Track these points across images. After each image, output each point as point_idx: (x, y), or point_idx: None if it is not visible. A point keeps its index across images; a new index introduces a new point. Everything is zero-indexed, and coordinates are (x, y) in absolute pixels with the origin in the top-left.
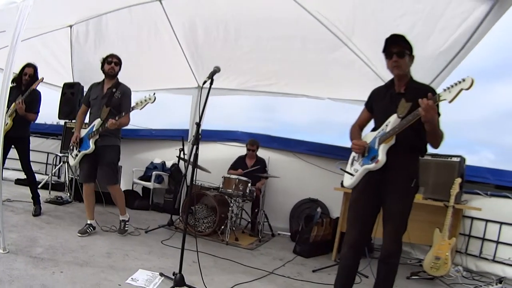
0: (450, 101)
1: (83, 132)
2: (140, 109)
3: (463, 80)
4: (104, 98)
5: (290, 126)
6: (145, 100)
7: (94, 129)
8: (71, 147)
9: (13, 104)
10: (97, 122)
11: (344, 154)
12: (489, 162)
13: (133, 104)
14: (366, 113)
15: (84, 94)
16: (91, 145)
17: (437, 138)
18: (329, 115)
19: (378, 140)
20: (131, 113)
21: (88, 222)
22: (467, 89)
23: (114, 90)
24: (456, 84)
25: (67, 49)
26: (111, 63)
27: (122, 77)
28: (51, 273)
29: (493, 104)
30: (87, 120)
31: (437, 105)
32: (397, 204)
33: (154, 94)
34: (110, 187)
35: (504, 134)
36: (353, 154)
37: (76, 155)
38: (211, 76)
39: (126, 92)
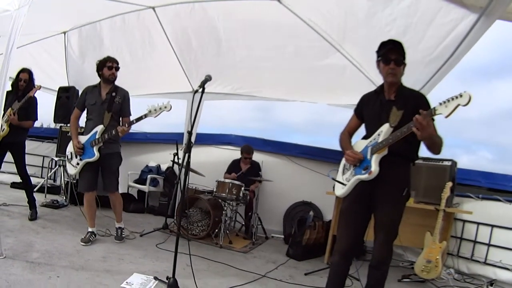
0: (447, 116)
1: (83, 139)
2: (155, 117)
3: (460, 95)
4: (105, 104)
5: (285, 127)
6: (160, 108)
7: (97, 136)
8: (70, 156)
9: (9, 109)
10: (100, 128)
11: (337, 157)
12: (487, 162)
13: (145, 111)
14: (355, 120)
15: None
16: (96, 153)
17: (436, 146)
18: (325, 115)
19: (371, 150)
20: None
21: (90, 230)
22: (465, 105)
23: (113, 94)
24: (453, 98)
25: (62, 54)
26: (112, 69)
27: (117, 82)
28: (48, 278)
29: (492, 102)
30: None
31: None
32: (388, 213)
33: (169, 102)
34: (112, 194)
35: (502, 133)
36: (343, 161)
37: (77, 163)
38: (202, 85)
39: (126, 97)
